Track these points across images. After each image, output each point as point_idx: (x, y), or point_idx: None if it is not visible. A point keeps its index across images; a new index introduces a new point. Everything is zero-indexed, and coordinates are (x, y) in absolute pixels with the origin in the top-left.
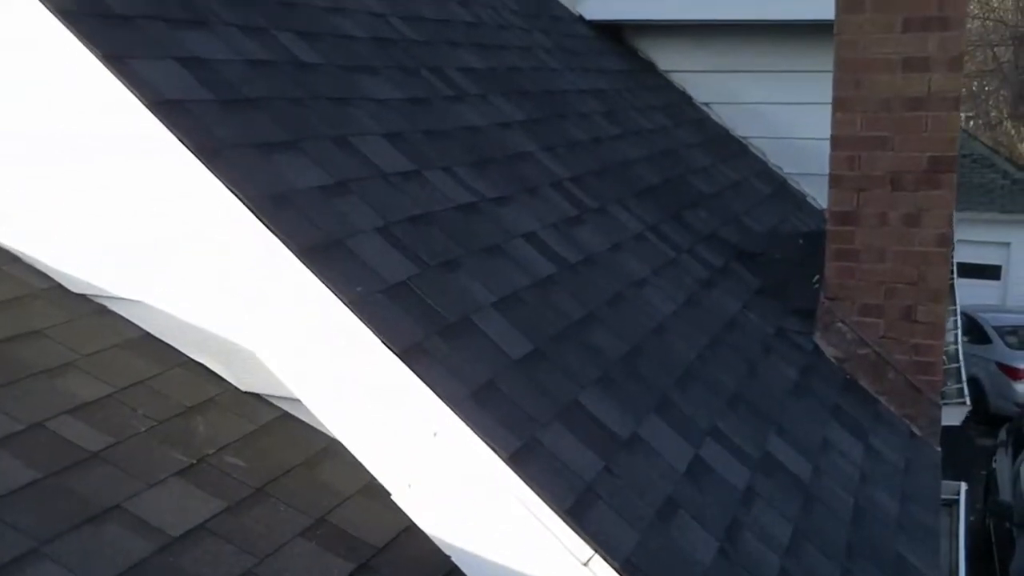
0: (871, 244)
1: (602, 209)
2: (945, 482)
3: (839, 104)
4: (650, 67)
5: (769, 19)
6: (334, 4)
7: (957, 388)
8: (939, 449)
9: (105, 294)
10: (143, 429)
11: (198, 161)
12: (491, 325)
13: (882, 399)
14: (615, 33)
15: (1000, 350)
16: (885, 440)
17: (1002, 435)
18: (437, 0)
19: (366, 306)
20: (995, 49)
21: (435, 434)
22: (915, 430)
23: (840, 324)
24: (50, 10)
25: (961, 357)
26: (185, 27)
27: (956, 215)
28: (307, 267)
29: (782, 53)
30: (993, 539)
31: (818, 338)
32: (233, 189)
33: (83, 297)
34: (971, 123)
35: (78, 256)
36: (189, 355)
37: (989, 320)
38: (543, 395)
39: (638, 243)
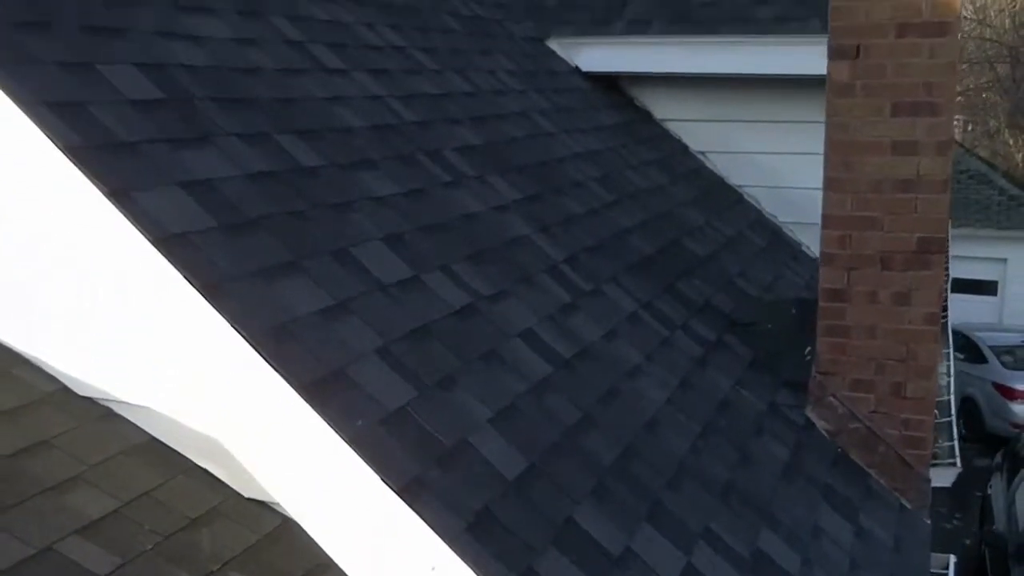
0: (862, 321)
1: (596, 291)
2: (934, 555)
3: (830, 184)
4: (646, 116)
5: (762, 73)
6: (333, 93)
7: (948, 447)
8: (929, 522)
9: (110, 397)
10: (149, 547)
11: (202, 298)
12: (487, 444)
13: (873, 472)
14: (611, 83)
15: (996, 370)
16: (875, 517)
17: (997, 459)
18: (436, 71)
19: (366, 442)
20: (994, 64)
21: (433, 568)
22: (905, 503)
23: (831, 398)
24: (59, 147)
25: (954, 411)
26: (187, 145)
27: (953, 231)
28: (308, 404)
29: (775, 104)
30: (988, 569)
31: (810, 411)
32: (237, 327)
33: (89, 400)
34: (969, 127)
35: (84, 362)
36: (193, 460)
37: (985, 340)
38: (538, 517)
39: (632, 325)
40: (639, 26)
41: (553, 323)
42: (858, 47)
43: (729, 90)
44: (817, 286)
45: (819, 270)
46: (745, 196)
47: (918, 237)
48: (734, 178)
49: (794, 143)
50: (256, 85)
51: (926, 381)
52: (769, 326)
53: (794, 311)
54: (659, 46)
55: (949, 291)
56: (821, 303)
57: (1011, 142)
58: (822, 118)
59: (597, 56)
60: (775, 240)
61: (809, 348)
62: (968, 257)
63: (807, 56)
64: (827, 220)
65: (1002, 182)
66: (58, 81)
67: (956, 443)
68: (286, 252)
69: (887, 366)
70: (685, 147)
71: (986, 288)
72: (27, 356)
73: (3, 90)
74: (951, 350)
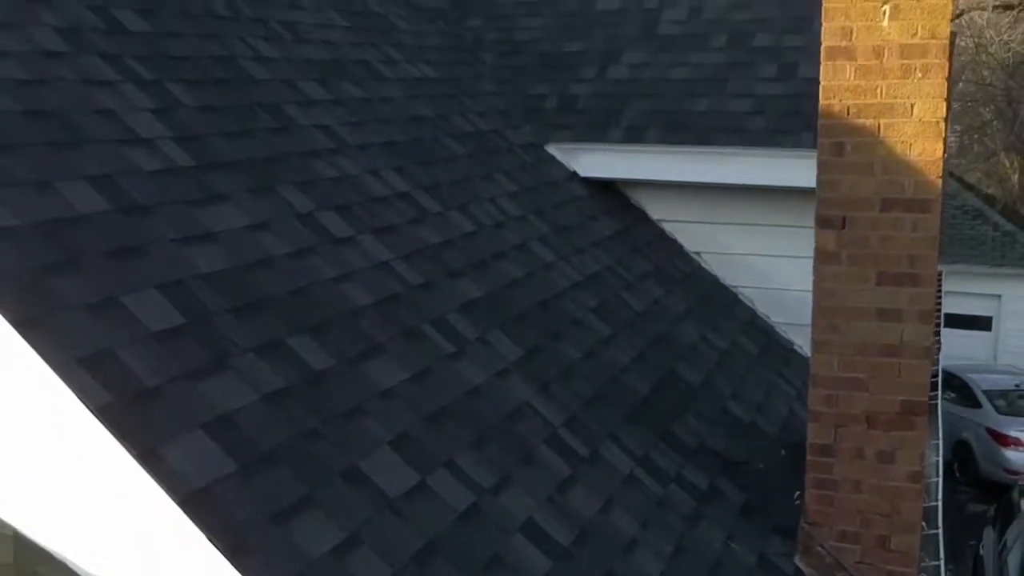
0: (848, 476)
1: (594, 454)
2: None
3: (818, 346)
4: (643, 217)
5: (755, 184)
6: (341, 270)
7: (934, 567)
8: None
9: None
10: None
11: (225, 559)
12: None
13: None
14: (608, 185)
15: (990, 415)
16: None
17: (991, 512)
18: (438, 213)
19: None
20: (992, 98)
21: None
22: None
23: (819, 548)
24: (90, 409)
25: (940, 520)
26: (207, 375)
27: (947, 268)
28: None
29: (768, 210)
30: None
31: (798, 560)
32: None
33: None
34: (964, 139)
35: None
36: None
37: (979, 383)
38: None
39: (628, 489)
40: (635, 133)
41: (553, 505)
42: (844, 219)
43: (723, 195)
44: (807, 397)
45: (807, 426)
46: (740, 297)
47: (901, 400)
48: (729, 279)
49: (786, 247)
50: (269, 281)
51: (910, 535)
52: (760, 466)
53: (783, 452)
54: (655, 155)
55: (942, 326)
56: (809, 457)
57: (1007, 163)
58: (811, 224)
59: (595, 162)
60: (768, 344)
61: (798, 492)
62: (962, 293)
63: (798, 169)
64: (815, 379)
65: (997, 218)
66: (87, 328)
67: (942, 563)
68: (300, 486)
69: (872, 520)
70: (681, 248)
71: (980, 324)
72: (53, 553)
73: (37, 351)
74: (940, 439)
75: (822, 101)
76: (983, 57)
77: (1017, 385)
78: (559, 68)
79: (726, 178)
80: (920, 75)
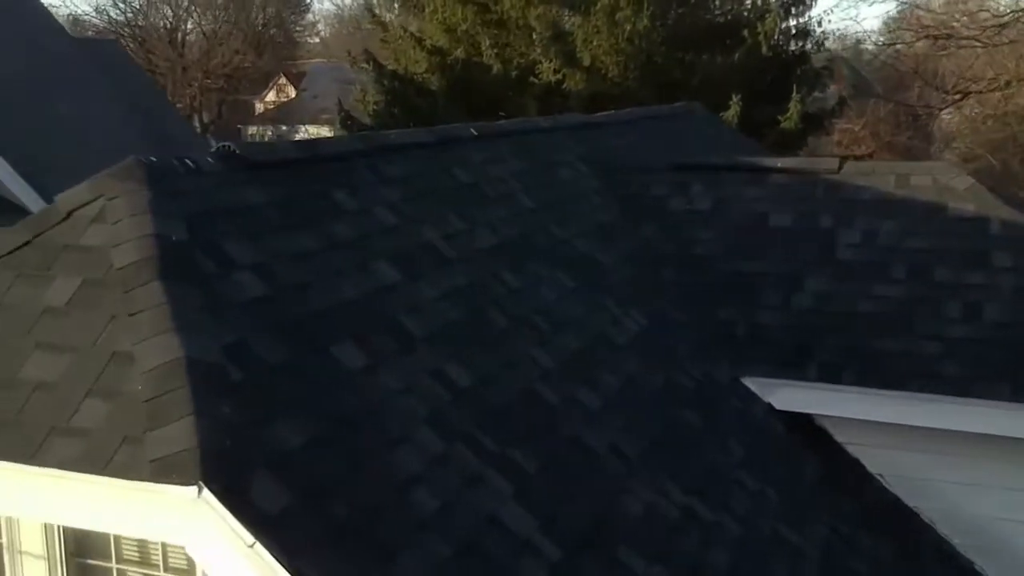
0: None
1: None
2: None
3: None
4: (829, 442)
5: (949, 429)
6: None
7: None
8: None
9: None
10: None
11: None
12: None
13: None
14: (797, 416)
15: None
16: None
17: None
18: (715, 522)
19: None
20: None
21: None
22: None
23: None
24: None
25: None
26: None
27: None
28: None
29: (952, 441)
30: None
31: None
32: None
33: None
34: None
35: None
36: None
37: None
38: None
39: None
40: (830, 373)
41: None
42: None
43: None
44: None
45: None
46: (920, 516)
47: None
48: (911, 500)
49: (969, 476)
50: None
51: None
52: None
53: None
54: (849, 395)
55: None
56: None
57: None
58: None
59: (790, 398)
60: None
61: None
62: None
63: (995, 417)
64: None
65: None
66: None
67: None
68: None
69: None
70: (864, 471)
71: None
72: None
73: None
74: None
75: None
76: None
77: None
78: (741, 291)
79: (919, 422)
80: None
